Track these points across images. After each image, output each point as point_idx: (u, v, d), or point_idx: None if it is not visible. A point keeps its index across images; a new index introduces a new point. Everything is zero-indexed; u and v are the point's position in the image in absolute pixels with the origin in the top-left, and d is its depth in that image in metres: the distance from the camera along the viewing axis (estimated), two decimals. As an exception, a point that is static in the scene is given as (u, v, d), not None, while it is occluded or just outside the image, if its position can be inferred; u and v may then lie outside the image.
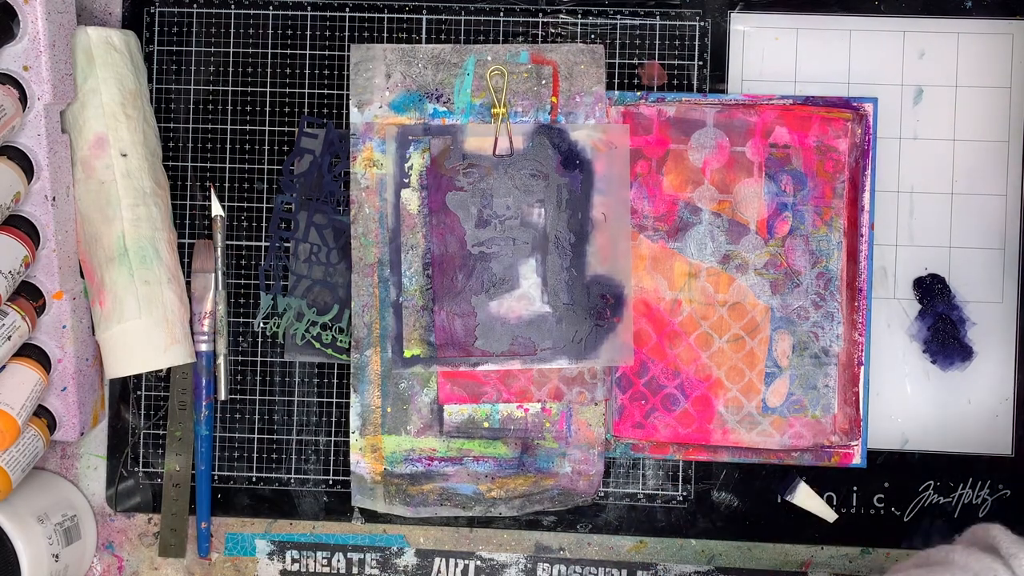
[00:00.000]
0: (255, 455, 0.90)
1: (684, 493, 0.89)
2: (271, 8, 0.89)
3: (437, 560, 0.90)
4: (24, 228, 0.81)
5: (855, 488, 0.88)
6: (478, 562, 0.90)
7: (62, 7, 0.81)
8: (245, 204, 0.89)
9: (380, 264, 0.87)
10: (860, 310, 0.86)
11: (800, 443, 0.87)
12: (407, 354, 0.87)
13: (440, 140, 0.86)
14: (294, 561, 0.90)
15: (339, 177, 0.89)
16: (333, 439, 0.89)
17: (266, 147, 0.89)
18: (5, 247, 0.79)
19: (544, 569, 0.89)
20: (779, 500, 0.89)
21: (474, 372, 0.87)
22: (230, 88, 0.89)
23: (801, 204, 0.87)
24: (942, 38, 0.88)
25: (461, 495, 0.88)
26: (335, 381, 0.89)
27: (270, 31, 0.89)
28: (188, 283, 0.88)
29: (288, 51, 0.89)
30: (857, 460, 0.87)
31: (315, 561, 0.90)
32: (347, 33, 0.89)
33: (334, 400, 0.89)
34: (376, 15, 0.89)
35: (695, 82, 0.88)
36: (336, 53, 0.89)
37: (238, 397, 0.90)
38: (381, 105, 0.87)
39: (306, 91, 0.89)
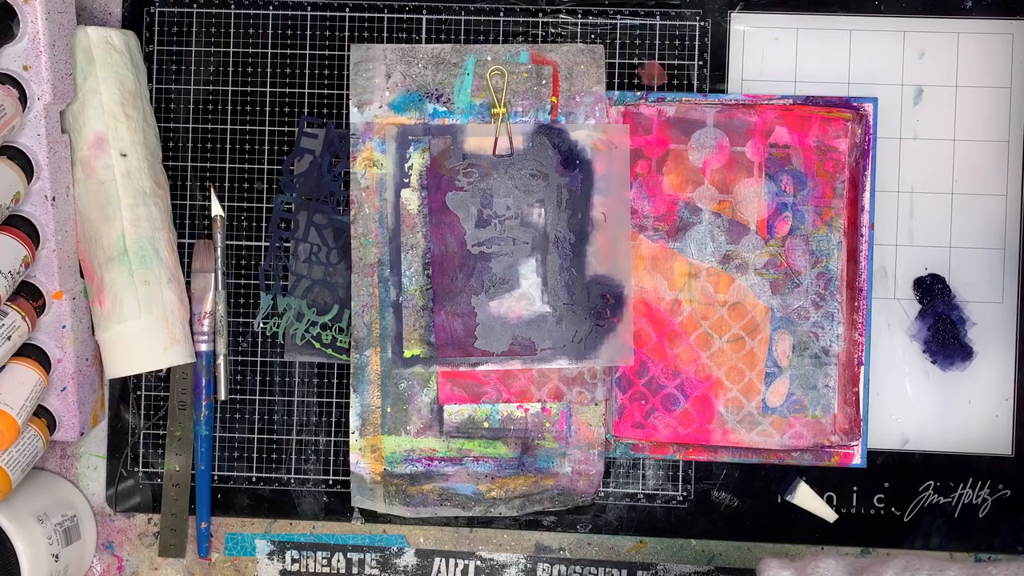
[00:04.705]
0: (255, 455, 0.90)
1: (684, 493, 0.89)
2: (271, 8, 0.89)
3: (437, 560, 0.90)
4: (24, 228, 0.81)
5: (855, 488, 0.88)
6: (478, 562, 0.90)
7: (62, 7, 0.81)
8: (245, 204, 0.89)
9: (380, 264, 0.87)
10: (860, 310, 0.86)
11: (800, 443, 0.87)
12: (407, 354, 0.87)
13: (440, 140, 0.86)
14: (294, 561, 0.90)
15: (339, 177, 0.89)
16: (333, 439, 0.89)
17: (266, 147, 0.89)
18: (5, 247, 0.79)
19: (544, 569, 0.89)
20: (779, 500, 0.89)
21: (474, 372, 0.87)
22: (230, 88, 0.89)
23: (801, 204, 0.87)
24: (942, 38, 0.88)
25: (461, 495, 0.88)
26: (335, 381, 0.89)
27: (270, 31, 0.89)
28: (188, 283, 0.88)
29: (288, 51, 0.89)
30: (857, 460, 0.87)
31: (315, 561, 0.90)
32: (347, 33, 0.89)
33: (334, 400, 0.89)
34: (376, 15, 0.89)
35: (695, 82, 0.88)
36: (336, 53, 0.89)
37: (238, 397, 0.90)
38: (381, 105, 0.87)
39: (306, 91, 0.89)
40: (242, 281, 0.90)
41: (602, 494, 0.89)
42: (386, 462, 0.87)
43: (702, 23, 0.88)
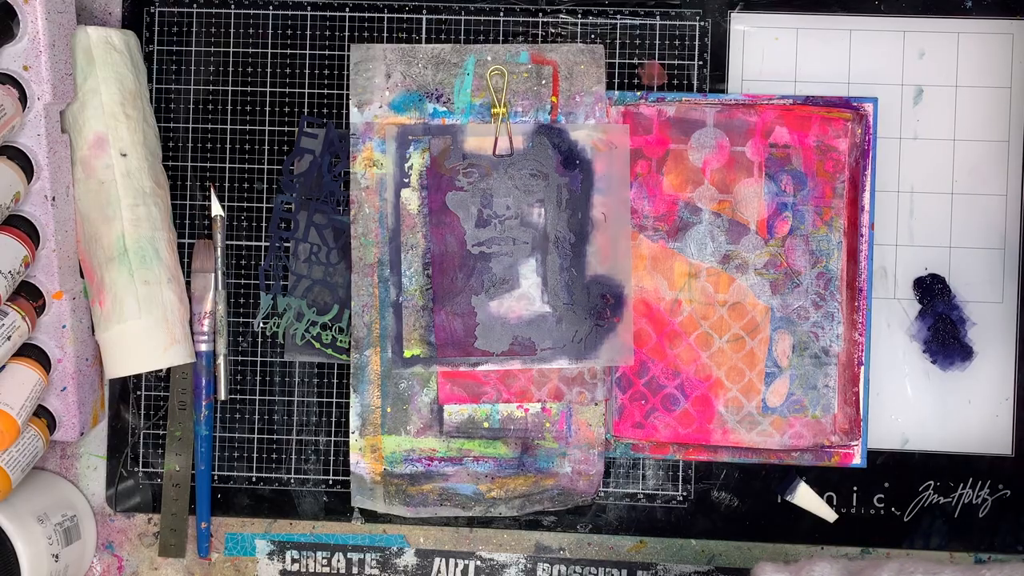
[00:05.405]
0: (255, 455, 0.90)
1: (684, 493, 0.89)
2: (271, 8, 0.89)
3: (437, 560, 0.90)
4: (24, 228, 0.81)
5: (855, 488, 0.88)
6: (478, 562, 0.90)
7: (62, 7, 0.81)
8: (245, 204, 0.89)
9: (380, 264, 0.87)
10: (860, 310, 0.86)
11: (800, 443, 0.87)
12: (407, 354, 0.87)
13: (440, 140, 0.86)
14: (294, 561, 0.90)
15: (339, 177, 0.89)
16: (333, 439, 0.89)
17: (266, 147, 0.89)
18: (5, 247, 0.79)
19: (544, 569, 0.89)
20: (779, 500, 0.89)
21: (474, 372, 0.87)
22: (230, 88, 0.89)
23: (801, 204, 0.87)
24: (942, 38, 0.88)
25: (461, 495, 0.88)
26: (335, 381, 0.89)
27: (270, 31, 0.89)
28: (188, 283, 0.88)
29: (288, 51, 0.89)
30: (857, 460, 0.87)
31: (315, 561, 0.90)
32: (347, 33, 0.89)
33: (334, 400, 0.89)
34: (376, 15, 0.89)
35: (695, 82, 0.88)
36: (336, 53, 0.89)
37: (238, 397, 0.90)
38: (381, 105, 0.87)
39: (306, 91, 0.89)
40: (242, 281, 0.90)
41: (602, 494, 0.89)
42: (386, 462, 0.87)
43: (702, 23, 0.88)
